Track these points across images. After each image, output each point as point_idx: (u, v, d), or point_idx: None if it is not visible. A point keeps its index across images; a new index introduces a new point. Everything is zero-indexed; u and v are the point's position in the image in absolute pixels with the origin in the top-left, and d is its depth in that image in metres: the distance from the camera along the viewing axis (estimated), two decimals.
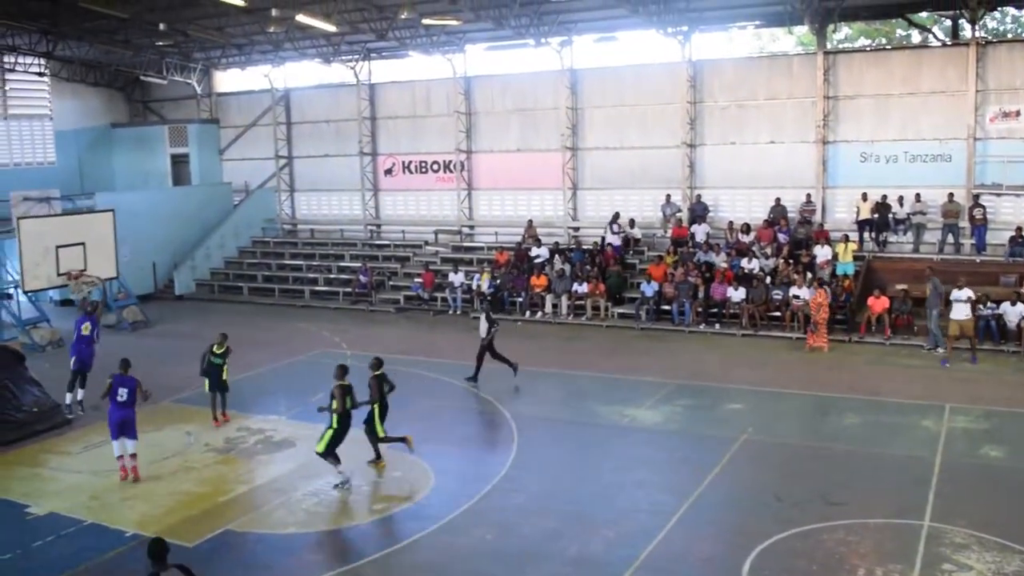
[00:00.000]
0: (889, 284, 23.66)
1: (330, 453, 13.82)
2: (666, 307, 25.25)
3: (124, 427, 14.34)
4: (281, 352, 23.20)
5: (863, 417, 16.88)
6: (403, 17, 27.18)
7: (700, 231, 27.39)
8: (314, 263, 33.20)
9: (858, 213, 26.10)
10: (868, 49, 29.31)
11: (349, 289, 30.42)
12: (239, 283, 33.20)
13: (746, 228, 26.70)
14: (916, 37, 30.31)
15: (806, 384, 19.23)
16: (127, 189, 36.31)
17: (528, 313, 26.93)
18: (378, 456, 14.76)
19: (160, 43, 33.17)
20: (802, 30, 27.85)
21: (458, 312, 27.86)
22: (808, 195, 26.91)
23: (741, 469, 14.44)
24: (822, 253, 24.71)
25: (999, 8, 28.38)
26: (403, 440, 14.66)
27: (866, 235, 25.97)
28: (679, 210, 28.44)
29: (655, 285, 25.38)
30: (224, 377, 17.13)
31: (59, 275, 17.74)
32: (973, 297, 20.75)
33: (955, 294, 20.59)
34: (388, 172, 34.27)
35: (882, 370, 20.23)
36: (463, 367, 20.15)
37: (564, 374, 20.84)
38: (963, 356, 20.69)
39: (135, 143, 38.72)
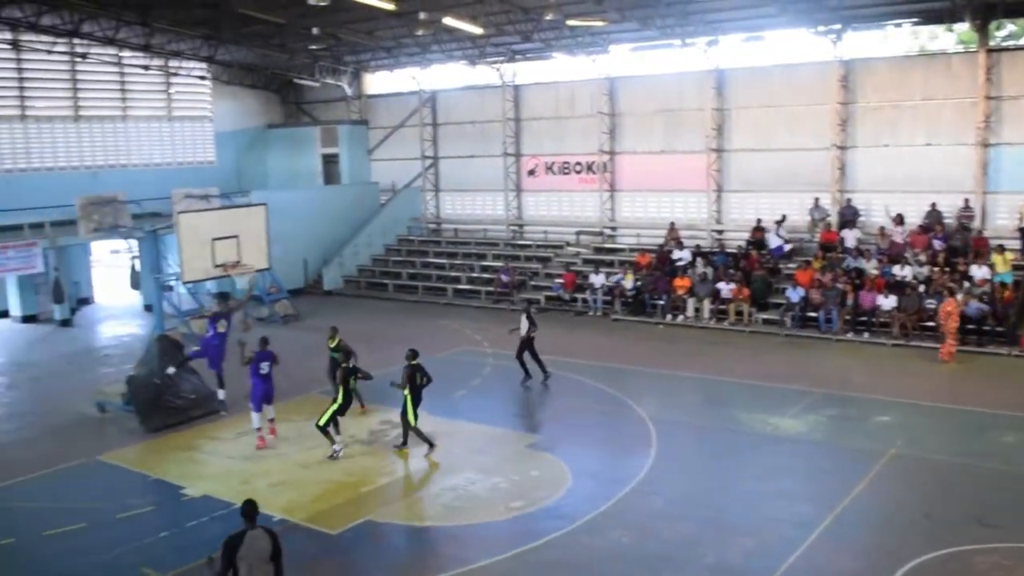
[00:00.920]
0: None
1: (329, 426, 15.35)
2: (812, 314, 24.52)
3: (268, 397, 16.34)
4: (423, 349, 22.98)
5: (1022, 436, 16.01)
6: (548, 19, 27.33)
7: (850, 236, 26.48)
8: (457, 262, 33.77)
9: (1021, 219, 24.72)
10: None
11: (491, 288, 30.87)
12: (385, 280, 34.11)
13: (899, 219, 25.70)
14: None
15: (960, 398, 18.34)
16: (280, 188, 37.73)
17: (669, 316, 26.65)
18: (404, 443, 15.78)
19: (313, 47, 34.51)
20: (963, 27, 26.56)
21: (599, 313, 27.86)
22: (966, 200, 25.63)
23: (888, 484, 13.93)
24: (979, 273, 23.33)
25: None
26: (429, 445, 15.31)
27: None
28: (827, 214, 27.62)
29: (801, 291, 24.72)
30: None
31: (215, 266, 18.51)
32: None
33: None
34: (531, 173, 34.57)
35: None
36: (602, 368, 20.16)
37: (705, 379, 20.56)
38: None
39: (289, 143, 40.34)
